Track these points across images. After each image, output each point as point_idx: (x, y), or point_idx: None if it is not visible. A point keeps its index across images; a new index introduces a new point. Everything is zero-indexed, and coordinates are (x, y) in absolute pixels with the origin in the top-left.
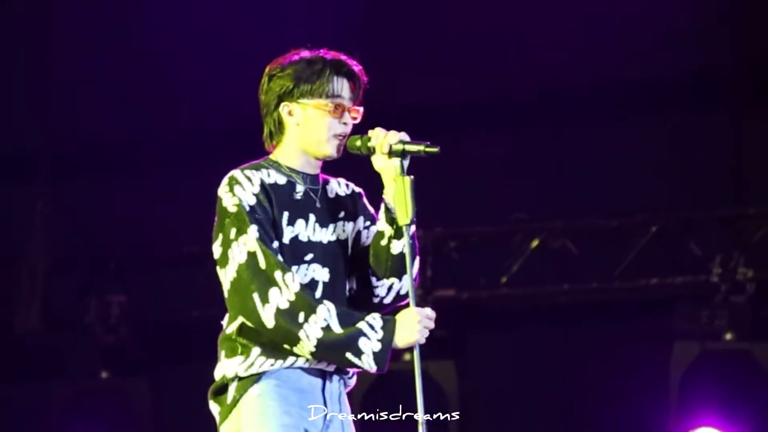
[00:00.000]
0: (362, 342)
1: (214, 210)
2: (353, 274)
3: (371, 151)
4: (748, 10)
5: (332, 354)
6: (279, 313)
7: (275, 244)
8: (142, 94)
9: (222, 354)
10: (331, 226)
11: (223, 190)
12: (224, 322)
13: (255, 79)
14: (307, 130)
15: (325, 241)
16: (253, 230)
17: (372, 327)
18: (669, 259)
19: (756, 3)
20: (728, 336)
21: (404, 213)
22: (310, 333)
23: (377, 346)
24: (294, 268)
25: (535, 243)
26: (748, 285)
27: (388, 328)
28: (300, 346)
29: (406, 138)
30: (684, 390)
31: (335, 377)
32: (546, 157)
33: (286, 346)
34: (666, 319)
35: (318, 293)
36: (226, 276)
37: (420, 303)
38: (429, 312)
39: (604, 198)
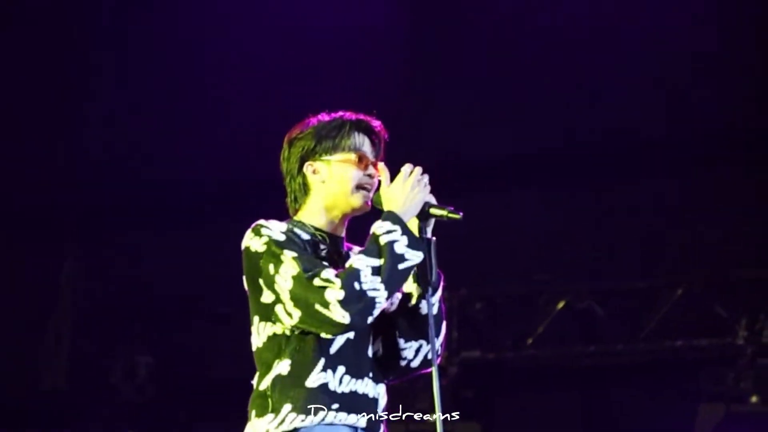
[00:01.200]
0: (398, 248)
1: (241, 269)
2: (378, 337)
3: None
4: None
5: (398, 278)
6: (343, 304)
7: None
8: (170, 150)
9: (252, 413)
10: None
11: (248, 238)
12: (254, 381)
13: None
14: (333, 184)
15: None
16: (287, 254)
17: (388, 232)
18: (695, 321)
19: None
20: (754, 398)
21: (426, 275)
22: (375, 288)
23: (405, 240)
24: None
25: (560, 304)
26: None
27: (395, 219)
28: (379, 301)
29: (432, 200)
30: None
31: None
32: (571, 218)
33: (371, 318)
34: (691, 380)
35: (336, 348)
36: (286, 310)
37: (445, 364)
38: (406, 168)
39: (630, 259)
